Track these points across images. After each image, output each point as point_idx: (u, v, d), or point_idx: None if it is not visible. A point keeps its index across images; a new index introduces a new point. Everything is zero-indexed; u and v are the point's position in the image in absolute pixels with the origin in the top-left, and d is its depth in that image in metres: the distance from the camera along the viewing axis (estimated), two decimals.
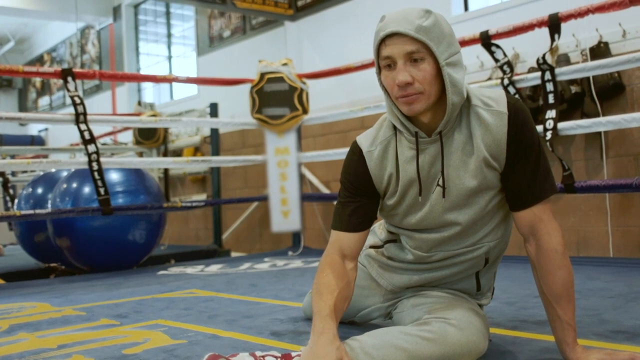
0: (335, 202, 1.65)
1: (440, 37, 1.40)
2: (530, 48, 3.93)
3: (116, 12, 9.29)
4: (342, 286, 1.49)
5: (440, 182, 1.51)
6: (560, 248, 1.46)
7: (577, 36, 3.77)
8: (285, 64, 4.71)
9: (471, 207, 1.52)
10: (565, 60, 3.75)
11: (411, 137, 1.52)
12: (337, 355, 1.31)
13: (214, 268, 4.11)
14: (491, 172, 1.49)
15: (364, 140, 1.60)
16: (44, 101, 12.40)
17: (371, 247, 1.81)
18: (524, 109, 1.49)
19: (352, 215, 1.57)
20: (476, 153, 1.48)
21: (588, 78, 3.62)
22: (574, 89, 3.71)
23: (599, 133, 3.69)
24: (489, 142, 1.47)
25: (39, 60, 12.19)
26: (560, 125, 3.34)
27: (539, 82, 3.43)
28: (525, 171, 1.47)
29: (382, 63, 1.44)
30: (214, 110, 5.79)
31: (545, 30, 3.39)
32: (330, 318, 1.40)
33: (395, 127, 1.56)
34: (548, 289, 1.46)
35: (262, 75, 4.66)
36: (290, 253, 4.81)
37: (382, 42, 1.42)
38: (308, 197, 4.94)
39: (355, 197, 1.58)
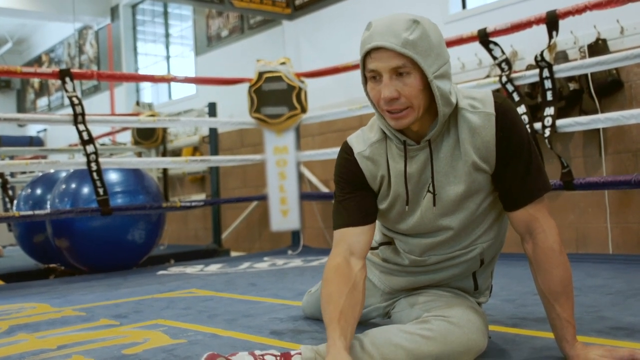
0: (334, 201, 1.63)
1: (427, 50, 1.36)
2: (528, 45, 3.93)
3: (114, 12, 9.28)
4: (348, 291, 1.42)
5: (431, 189, 1.51)
6: (557, 246, 1.45)
7: (575, 33, 3.76)
8: (283, 63, 4.71)
9: (462, 212, 1.51)
10: (563, 57, 3.75)
11: (400, 145, 1.51)
12: None
13: (214, 268, 4.11)
14: (481, 175, 1.48)
15: (355, 141, 1.58)
16: (42, 102, 12.39)
17: None
18: (512, 108, 1.48)
19: (356, 210, 1.53)
20: (464, 158, 1.47)
21: (586, 75, 3.62)
22: (572, 86, 3.70)
23: (598, 130, 3.69)
24: (477, 145, 1.46)
25: (37, 61, 12.18)
26: (559, 122, 3.34)
27: (537, 79, 3.42)
28: (516, 171, 1.46)
29: (368, 75, 1.41)
30: (212, 109, 5.79)
31: (543, 28, 3.38)
32: (332, 332, 1.35)
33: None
34: (546, 286, 1.46)
35: (261, 74, 4.66)
36: (289, 252, 4.81)
37: (367, 55, 1.40)
38: (307, 196, 4.94)
39: (354, 191, 1.55)
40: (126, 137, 7.73)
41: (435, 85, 1.38)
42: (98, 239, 4.11)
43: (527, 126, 3.39)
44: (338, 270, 1.46)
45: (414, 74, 1.37)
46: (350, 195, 1.55)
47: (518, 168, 1.46)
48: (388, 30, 1.36)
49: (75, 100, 3.85)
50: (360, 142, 1.57)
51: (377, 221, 1.73)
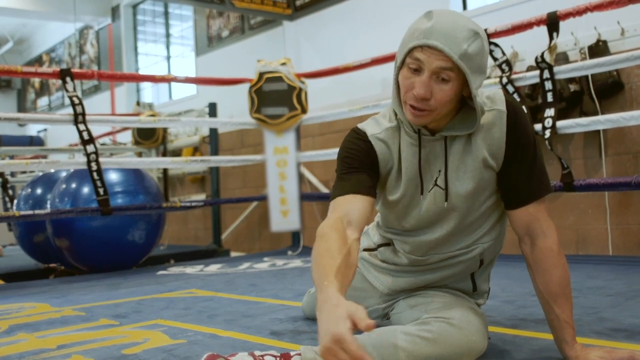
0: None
1: (479, 67, 1.37)
2: (529, 46, 3.93)
3: (115, 12, 9.28)
4: (345, 253, 1.29)
5: (439, 182, 1.51)
6: (556, 247, 1.46)
7: (575, 34, 3.76)
8: (283, 64, 4.71)
9: (465, 208, 1.52)
10: (564, 58, 3.75)
11: (413, 133, 1.51)
12: (343, 328, 1.05)
13: (214, 268, 4.11)
14: (488, 172, 1.49)
15: (367, 126, 1.56)
16: (42, 102, 12.39)
17: (365, 250, 1.78)
18: (521, 108, 1.50)
19: (358, 182, 1.47)
20: (475, 153, 1.48)
21: (587, 76, 3.62)
22: (572, 87, 3.70)
23: (598, 131, 3.69)
24: (489, 141, 1.47)
25: (38, 60, 12.18)
26: (559, 123, 3.34)
27: (537, 80, 3.42)
28: (521, 170, 1.47)
29: (409, 61, 1.38)
30: (212, 110, 5.79)
31: (543, 29, 3.38)
32: (330, 285, 1.17)
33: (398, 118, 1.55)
34: (545, 288, 1.46)
35: (261, 74, 4.66)
36: (289, 252, 4.81)
37: (419, 45, 1.36)
38: (307, 196, 4.94)
39: (360, 168, 1.50)
40: (126, 137, 7.73)
41: (477, 102, 1.39)
42: (98, 238, 4.11)
43: None
44: (336, 230, 1.35)
45: (453, 82, 1.36)
46: (355, 170, 1.50)
47: (523, 166, 1.47)
48: (450, 34, 1.33)
49: (76, 100, 3.86)
50: (375, 125, 1.56)
51: (376, 221, 1.72)
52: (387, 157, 1.53)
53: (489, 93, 1.51)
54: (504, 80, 3.49)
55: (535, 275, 1.48)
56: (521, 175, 1.47)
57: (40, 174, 5.26)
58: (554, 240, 1.46)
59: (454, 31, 1.33)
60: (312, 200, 5.21)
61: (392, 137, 1.54)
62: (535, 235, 1.47)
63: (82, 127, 3.84)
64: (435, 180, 1.52)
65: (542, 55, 3.35)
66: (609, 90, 3.63)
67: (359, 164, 1.50)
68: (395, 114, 1.55)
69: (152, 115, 5.85)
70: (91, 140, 3.87)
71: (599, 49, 3.63)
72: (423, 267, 1.63)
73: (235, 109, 6.05)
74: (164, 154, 6.56)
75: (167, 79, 4.79)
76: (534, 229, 1.48)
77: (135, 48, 9.20)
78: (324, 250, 1.29)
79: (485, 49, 1.39)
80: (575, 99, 3.72)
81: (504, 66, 3.52)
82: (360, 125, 1.58)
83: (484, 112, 1.45)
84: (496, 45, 3.56)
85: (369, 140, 1.53)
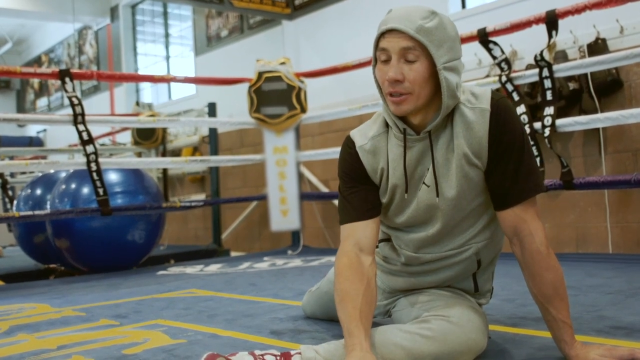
0: (335, 201, 1.64)
1: (441, 40, 1.40)
2: (528, 45, 3.93)
3: (113, 12, 9.28)
4: (364, 289, 1.43)
5: (426, 181, 1.51)
6: (544, 248, 1.44)
7: (574, 33, 3.76)
8: (283, 63, 4.71)
9: (452, 206, 1.51)
10: (563, 56, 3.75)
11: (399, 134, 1.52)
12: None
13: (214, 268, 4.11)
14: (473, 170, 1.48)
15: (357, 134, 1.60)
16: (42, 102, 12.39)
17: None
18: (508, 106, 1.48)
19: (361, 204, 1.54)
20: (457, 151, 1.47)
21: (586, 74, 3.62)
22: (572, 85, 3.71)
23: (598, 129, 3.69)
24: (471, 139, 1.46)
25: (37, 61, 12.18)
26: (559, 122, 3.34)
27: (537, 79, 3.42)
28: (507, 170, 1.45)
29: (378, 55, 1.45)
30: (212, 109, 5.79)
31: (542, 27, 3.38)
32: (357, 330, 1.36)
33: (387, 124, 1.56)
34: (538, 290, 1.45)
35: (260, 74, 4.66)
36: (289, 252, 4.81)
37: (381, 36, 1.43)
38: (307, 195, 4.94)
39: (358, 186, 1.57)
40: (126, 138, 7.72)
41: (443, 76, 1.40)
42: (98, 239, 4.11)
43: (527, 126, 3.39)
44: (351, 267, 1.47)
45: (422, 60, 1.40)
46: (355, 189, 1.57)
47: (508, 167, 1.46)
48: (405, 16, 1.40)
49: (75, 101, 3.85)
50: (362, 135, 1.59)
51: None
52: (375, 166, 1.56)
53: (477, 90, 1.50)
54: (503, 78, 3.49)
55: (527, 277, 1.47)
56: (506, 175, 1.45)
57: (40, 174, 5.26)
58: (541, 242, 1.44)
59: (410, 13, 1.41)
60: (312, 200, 5.21)
61: (379, 144, 1.56)
62: (522, 237, 1.46)
63: (81, 127, 3.84)
64: (423, 180, 1.51)
65: (541, 54, 3.35)
66: (608, 88, 3.63)
67: (354, 182, 1.57)
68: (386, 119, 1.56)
69: (152, 116, 5.85)
70: (91, 140, 3.87)
71: (598, 47, 3.63)
72: (420, 268, 1.63)
73: (235, 109, 6.05)
74: (164, 154, 6.56)
75: (166, 79, 4.79)
76: (521, 231, 1.46)
77: (135, 48, 9.20)
78: (343, 293, 1.43)
79: (447, 27, 1.42)
80: (574, 97, 3.72)
81: (503, 65, 3.52)
82: (352, 133, 1.62)
83: (455, 96, 1.44)
84: (495, 43, 3.55)
85: (357, 151, 1.57)
